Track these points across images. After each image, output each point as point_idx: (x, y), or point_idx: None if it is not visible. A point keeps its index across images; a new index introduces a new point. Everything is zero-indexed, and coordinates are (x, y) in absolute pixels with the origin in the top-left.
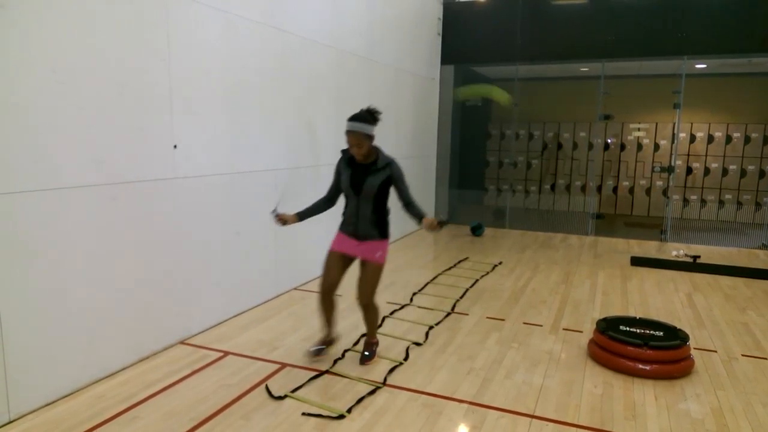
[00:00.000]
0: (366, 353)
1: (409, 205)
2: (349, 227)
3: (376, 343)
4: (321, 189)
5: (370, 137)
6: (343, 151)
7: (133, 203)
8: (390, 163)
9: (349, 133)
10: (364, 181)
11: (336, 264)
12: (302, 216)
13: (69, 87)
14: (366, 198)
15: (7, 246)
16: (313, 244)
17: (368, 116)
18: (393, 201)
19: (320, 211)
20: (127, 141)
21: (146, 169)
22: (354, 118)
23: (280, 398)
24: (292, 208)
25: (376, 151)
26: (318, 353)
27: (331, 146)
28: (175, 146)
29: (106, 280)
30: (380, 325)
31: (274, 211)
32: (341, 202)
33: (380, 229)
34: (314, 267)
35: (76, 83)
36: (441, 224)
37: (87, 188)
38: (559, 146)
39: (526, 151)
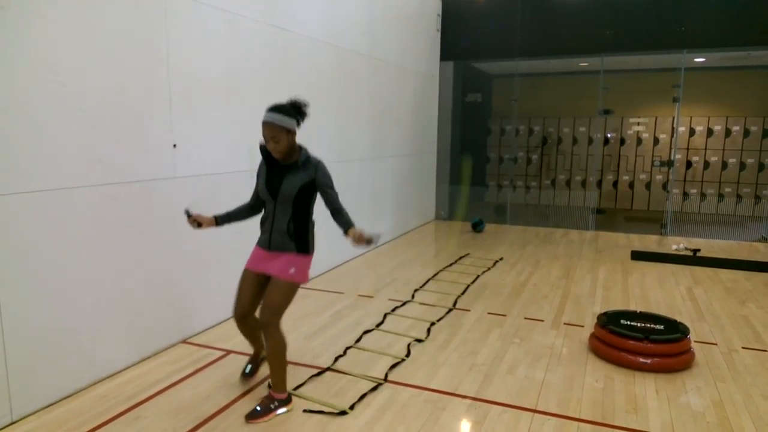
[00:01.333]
0: (257, 408)
1: (337, 213)
2: (263, 236)
3: (281, 401)
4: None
5: (290, 132)
6: (263, 148)
7: (133, 203)
8: (317, 165)
9: (265, 124)
10: (281, 183)
11: (249, 286)
12: (220, 220)
13: (68, 87)
14: (283, 203)
15: (7, 246)
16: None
17: (290, 108)
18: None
19: (241, 218)
20: (127, 141)
21: (146, 169)
22: (272, 108)
23: None
24: None
25: (300, 150)
26: (250, 374)
27: (332, 145)
28: (174, 145)
29: (107, 280)
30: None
31: (188, 211)
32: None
33: (298, 242)
34: (316, 265)
35: (76, 83)
36: (369, 241)
37: (87, 188)
38: (559, 141)
39: (527, 147)
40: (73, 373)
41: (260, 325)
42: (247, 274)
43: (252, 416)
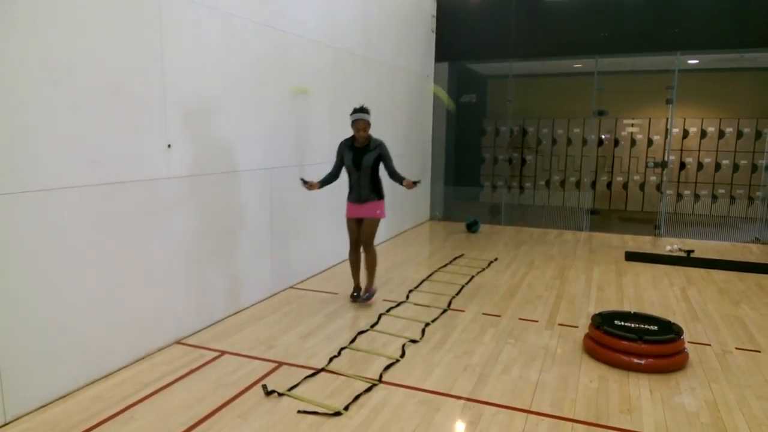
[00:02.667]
0: (366, 294)
1: (393, 175)
2: (354, 193)
3: (375, 291)
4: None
5: (370, 124)
6: (346, 139)
7: (127, 203)
8: (380, 145)
9: (358, 120)
10: (362, 159)
11: (353, 227)
12: (322, 184)
13: (63, 86)
14: (365, 171)
15: (0, 246)
16: (308, 244)
17: (367, 109)
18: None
19: (331, 182)
20: (121, 141)
21: (140, 169)
22: (360, 110)
23: (278, 396)
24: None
25: (369, 136)
26: (356, 298)
27: (327, 144)
28: (169, 146)
29: (100, 280)
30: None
31: (303, 179)
32: (343, 176)
33: (377, 192)
34: (310, 266)
35: (70, 83)
36: (415, 183)
37: (81, 188)
38: (554, 142)
39: (521, 148)
40: (66, 374)
41: (363, 246)
42: (350, 221)
43: (364, 300)
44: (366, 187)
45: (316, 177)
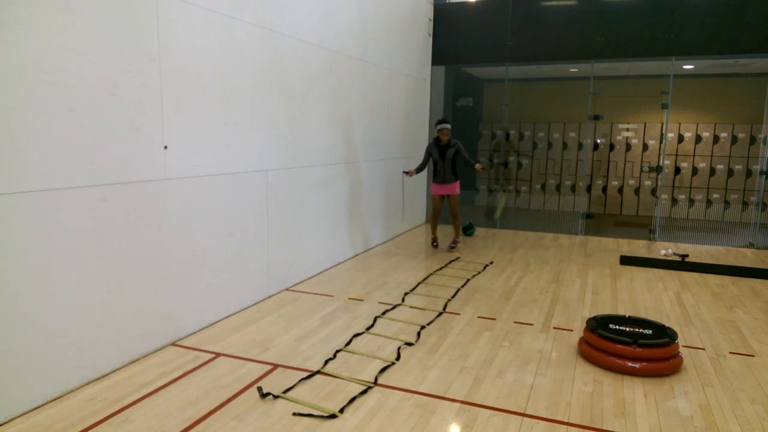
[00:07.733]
0: (452, 245)
1: (467, 162)
2: (439, 178)
3: (459, 241)
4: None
5: (450, 129)
6: (432, 141)
7: (124, 204)
8: (456, 143)
9: (444, 129)
10: (446, 153)
11: (438, 202)
12: (418, 171)
13: (59, 88)
14: (448, 161)
15: None
16: (303, 246)
17: (448, 119)
18: None
19: (422, 170)
20: (118, 142)
21: (137, 170)
22: (445, 122)
23: (273, 399)
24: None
25: (449, 138)
26: (436, 246)
27: (323, 146)
28: (165, 147)
29: (96, 281)
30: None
31: (405, 171)
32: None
33: (456, 175)
34: (305, 268)
35: (67, 84)
36: (480, 167)
37: (77, 189)
38: (549, 146)
39: (517, 152)
40: (61, 375)
41: (452, 215)
42: (435, 197)
43: (453, 248)
44: (448, 173)
45: (312, 178)
